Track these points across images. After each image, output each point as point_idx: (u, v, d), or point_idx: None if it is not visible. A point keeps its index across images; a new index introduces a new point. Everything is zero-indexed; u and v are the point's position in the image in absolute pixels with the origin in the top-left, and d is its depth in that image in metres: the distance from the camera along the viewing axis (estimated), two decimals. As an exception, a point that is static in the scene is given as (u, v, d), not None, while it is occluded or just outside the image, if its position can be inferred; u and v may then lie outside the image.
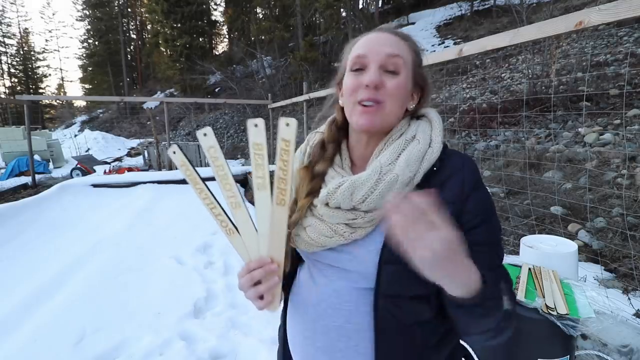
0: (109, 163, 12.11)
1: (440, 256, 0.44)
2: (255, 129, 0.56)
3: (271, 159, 0.55)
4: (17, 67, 41.04)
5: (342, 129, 0.73)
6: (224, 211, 0.61)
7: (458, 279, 0.49)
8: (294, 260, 0.76)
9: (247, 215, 0.61)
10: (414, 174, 0.60)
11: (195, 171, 0.60)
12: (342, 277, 0.66)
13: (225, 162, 0.59)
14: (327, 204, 0.63)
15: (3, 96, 39.65)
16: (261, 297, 0.62)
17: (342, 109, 0.70)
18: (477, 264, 0.59)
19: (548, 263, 1.47)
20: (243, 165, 10.57)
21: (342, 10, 17.42)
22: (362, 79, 0.63)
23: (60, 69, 57.44)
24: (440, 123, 0.68)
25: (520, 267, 1.48)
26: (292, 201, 0.70)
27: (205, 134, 0.58)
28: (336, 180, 0.64)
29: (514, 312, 0.59)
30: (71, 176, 8.96)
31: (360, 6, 19.61)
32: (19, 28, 41.07)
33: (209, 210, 0.62)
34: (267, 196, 0.59)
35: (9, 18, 45.01)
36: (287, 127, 0.54)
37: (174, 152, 0.59)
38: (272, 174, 0.58)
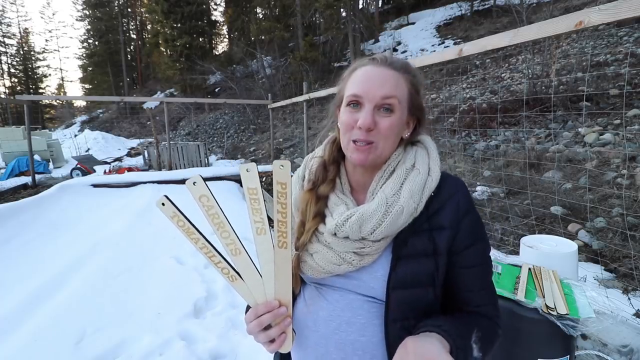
0: (109, 163, 12.09)
1: None
2: (248, 173, 0.55)
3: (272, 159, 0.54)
4: (17, 67, 41.02)
5: (341, 149, 0.74)
6: (224, 258, 0.60)
7: None
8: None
9: (249, 260, 0.61)
10: (417, 204, 0.63)
11: (189, 221, 0.57)
12: (351, 293, 0.67)
13: (220, 210, 0.58)
14: (334, 234, 0.65)
15: (3, 96, 39.64)
16: (272, 340, 0.62)
17: None
18: (470, 284, 0.67)
19: (548, 263, 1.47)
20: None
21: (342, 10, 17.41)
22: (356, 117, 0.65)
23: (60, 69, 57.53)
24: (436, 151, 0.71)
25: (520, 267, 1.48)
26: (299, 223, 0.72)
27: (194, 183, 0.55)
28: (340, 208, 0.67)
29: (486, 349, 0.62)
30: (71, 176, 8.96)
31: (360, 6, 19.61)
32: (19, 28, 41.07)
33: (208, 260, 0.60)
34: (268, 240, 0.59)
35: (9, 18, 45.01)
36: (281, 169, 0.54)
37: (163, 204, 0.56)
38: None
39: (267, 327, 0.61)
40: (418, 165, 0.67)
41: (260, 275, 0.61)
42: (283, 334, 0.62)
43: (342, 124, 0.68)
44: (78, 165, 10.27)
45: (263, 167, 5.36)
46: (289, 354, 0.78)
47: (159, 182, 5.31)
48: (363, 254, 0.64)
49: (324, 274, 0.67)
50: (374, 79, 0.65)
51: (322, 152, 0.77)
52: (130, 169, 8.95)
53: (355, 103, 0.66)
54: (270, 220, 0.56)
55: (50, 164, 11.82)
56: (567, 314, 1.15)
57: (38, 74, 42.00)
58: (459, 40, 14.27)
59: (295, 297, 0.76)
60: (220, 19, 29.17)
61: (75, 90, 56.58)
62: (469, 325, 0.63)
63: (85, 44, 38.09)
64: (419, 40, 16.15)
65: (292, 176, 0.55)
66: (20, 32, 40.98)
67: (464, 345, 0.58)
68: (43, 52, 43.50)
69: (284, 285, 0.61)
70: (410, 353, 0.53)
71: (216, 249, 0.60)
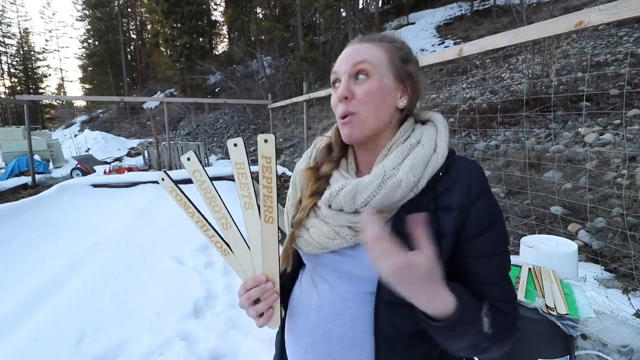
0: (109, 163, 12.09)
1: (401, 277, 0.48)
2: (235, 148, 0.57)
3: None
4: (17, 67, 41.03)
5: None
6: (217, 233, 0.62)
7: (421, 300, 0.51)
8: (298, 261, 0.75)
9: (239, 234, 0.62)
10: (417, 178, 0.59)
11: (186, 196, 0.60)
12: (344, 282, 0.65)
13: (212, 184, 0.60)
14: (329, 206, 0.63)
15: (3, 96, 39.63)
16: (261, 315, 0.64)
17: None
18: (483, 276, 0.60)
19: (548, 263, 1.47)
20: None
21: (342, 10, 17.41)
22: (336, 94, 0.66)
23: (60, 69, 57.45)
24: (445, 128, 0.67)
25: (520, 267, 1.48)
26: (297, 201, 0.71)
27: (188, 159, 0.59)
28: (340, 182, 0.65)
29: (499, 333, 0.56)
30: (71, 176, 8.96)
31: (360, 6, 19.60)
32: (19, 28, 41.09)
33: (203, 233, 0.62)
34: (256, 214, 0.60)
35: (9, 18, 44.96)
36: (266, 143, 0.55)
37: (162, 179, 0.60)
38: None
39: (257, 302, 0.63)
40: (424, 141, 0.63)
41: (249, 249, 0.62)
42: (270, 309, 0.63)
43: (332, 105, 0.69)
44: (78, 165, 10.27)
45: (263, 167, 5.34)
46: (282, 344, 0.78)
47: (159, 182, 5.30)
48: (358, 229, 0.61)
49: (318, 249, 0.66)
50: (347, 54, 0.67)
51: (331, 133, 0.77)
52: (130, 169, 8.95)
53: (336, 82, 0.68)
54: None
55: (50, 164, 11.81)
56: (567, 314, 1.15)
57: (38, 74, 42.00)
58: (459, 40, 14.27)
59: (294, 278, 0.77)
60: (220, 19, 29.18)
61: (75, 90, 56.66)
62: (481, 300, 0.57)
63: (85, 44, 38.12)
64: (419, 40, 16.14)
65: (277, 150, 0.58)
66: (20, 32, 41.00)
67: (473, 306, 0.54)
68: (43, 52, 43.54)
69: (270, 260, 0.62)
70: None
71: (210, 223, 0.62)
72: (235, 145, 0.56)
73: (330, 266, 0.67)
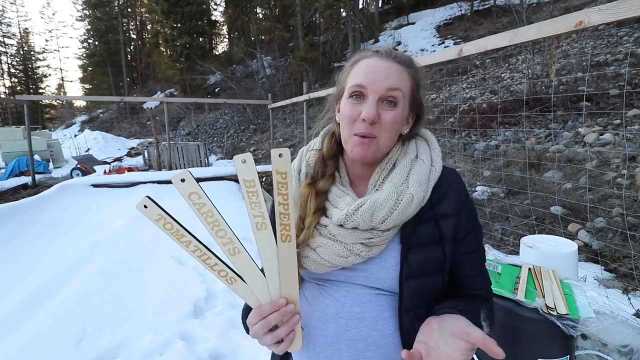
0: (109, 163, 12.09)
1: None
2: (244, 165, 0.51)
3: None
4: (17, 67, 41.01)
5: (340, 142, 0.72)
6: (220, 260, 0.56)
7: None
8: None
9: (249, 259, 0.56)
10: (425, 192, 0.64)
11: (178, 223, 0.53)
12: (357, 287, 0.66)
13: (213, 206, 0.53)
14: (341, 225, 0.63)
15: (3, 96, 39.64)
16: (279, 341, 0.59)
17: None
18: (469, 269, 0.69)
19: (548, 263, 1.47)
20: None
21: (342, 10, 17.41)
22: (359, 109, 0.64)
23: (60, 69, 57.52)
24: (436, 143, 0.72)
25: (520, 267, 1.48)
26: (297, 219, 0.70)
27: (183, 180, 0.51)
28: (346, 199, 0.65)
29: (491, 327, 0.65)
30: (71, 176, 8.96)
31: (360, 6, 19.60)
32: (19, 28, 41.06)
33: (203, 263, 0.55)
34: (270, 235, 0.55)
35: (9, 18, 45.05)
36: (280, 158, 0.51)
37: (145, 207, 0.51)
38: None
39: (273, 328, 0.58)
40: (421, 156, 0.68)
41: (263, 274, 0.57)
42: (292, 332, 0.59)
43: (344, 116, 0.66)
44: (78, 165, 10.27)
45: (263, 167, 5.36)
46: (287, 354, 0.75)
47: (159, 182, 5.30)
48: (371, 244, 0.63)
49: (329, 268, 0.65)
50: (379, 70, 0.64)
51: (320, 145, 0.75)
52: (130, 169, 8.95)
53: (359, 94, 0.65)
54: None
55: (50, 164, 11.82)
56: (567, 314, 1.15)
57: (38, 74, 41.97)
58: (459, 40, 14.26)
59: None
60: (220, 19, 29.15)
61: (75, 90, 56.62)
62: (476, 305, 0.65)
63: (85, 44, 38.07)
64: (419, 40, 16.14)
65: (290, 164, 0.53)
66: (20, 32, 40.97)
67: (477, 323, 0.60)
68: (43, 52, 43.49)
69: (290, 281, 0.57)
70: (435, 330, 0.54)
71: (211, 250, 0.56)
72: (243, 161, 0.50)
73: (340, 280, 0.68)
